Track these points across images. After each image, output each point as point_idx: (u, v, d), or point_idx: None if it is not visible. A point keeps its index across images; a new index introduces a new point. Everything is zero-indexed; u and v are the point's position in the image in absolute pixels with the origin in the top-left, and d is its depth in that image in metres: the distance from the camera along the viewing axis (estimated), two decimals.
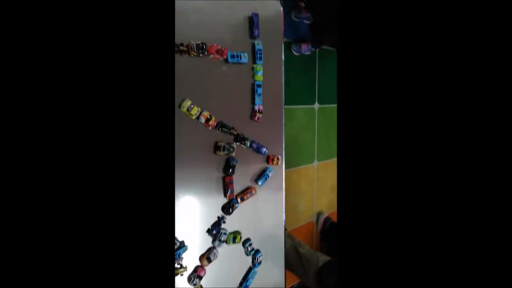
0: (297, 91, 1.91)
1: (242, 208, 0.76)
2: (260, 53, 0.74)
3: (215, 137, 0.70)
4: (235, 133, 0.72)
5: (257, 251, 0.81)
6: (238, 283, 0.78)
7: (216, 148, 0.69)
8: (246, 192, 0.76)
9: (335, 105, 2.27)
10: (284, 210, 0.89)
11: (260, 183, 0.79)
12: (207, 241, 0.71)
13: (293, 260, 1.17)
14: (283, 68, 0.82)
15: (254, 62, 0.74)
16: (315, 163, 2.12)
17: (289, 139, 1.89)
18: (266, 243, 0.84)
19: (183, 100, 0.62)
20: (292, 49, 1.69)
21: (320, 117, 2.11)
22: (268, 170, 0.81)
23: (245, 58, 0.71)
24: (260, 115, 0.77)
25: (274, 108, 0.82)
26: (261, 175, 0.80)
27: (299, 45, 1.69)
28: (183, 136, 0.64)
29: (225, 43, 0.68)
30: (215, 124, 0.68)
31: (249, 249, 0.78)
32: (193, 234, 0.68)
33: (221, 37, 0.68)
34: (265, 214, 0.84)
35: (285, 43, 0.81)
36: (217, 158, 0.71)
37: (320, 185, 2.15)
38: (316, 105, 2.07)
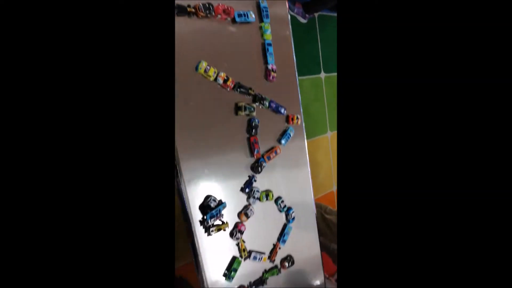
0: (301, 61, 1.89)
1: (269, 168, 0.78)
2: (266, 11, 0.74)
3: (233, 99, 0.71)
4: (253, 93, 0.73)
5: (289, 208, 0.83)
6: (276, 239, 0.82)
7: (237, 108, 0.71)
8: (271, 151, 0.78)
9: None
10: (309, 168, 0.91)
11: (283, 142, 0.81)
12: (242, 200, 0.74)
13: (321, 226, 1.20)
14: (289, 25, 0.82)
15: (261, 21, 0.75)
16: (329, 133, 2.12)
17: None
18: (296, 201, 0.86)
19: (199, 62, 0.64)
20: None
21: (327, 86, 2.08)
22: (289, 129, 0.82)
23: (252, 17, 0.71)
24: (275, 74, 0.77)
25: (286, 66, 0.82)
26: (283, 134, 0.82)
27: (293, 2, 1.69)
28: (202, 99, 0.66)
29: (231, 2, 0.68)
30: (233, 85, 0.69)
31: (282, 205, 0.81)
32: (228, 193, 0.71)
33: None
34: (292, 173, 0.86)
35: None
36: (238, 119, 0.73)
37: (336, 153, 2.15)
38: (323, 74, 2.05)
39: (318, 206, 1.36)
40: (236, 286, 0.73)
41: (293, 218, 0.84)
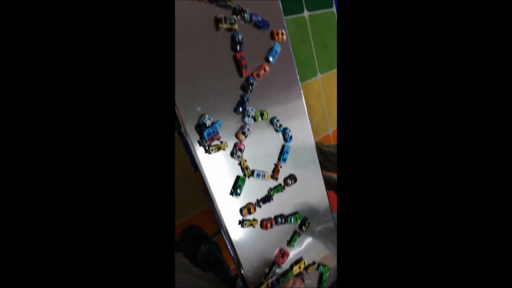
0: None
1: (261, 88, 0.77)
2: None
3: (212, 13, 0.67)
4: (231, 5, 0.69)
5: (286, 128, 0.84)
6: (277, 159, 0.83)
7: (217, 21, 0.67)
8: (259, 69, 0.76)
9: (327, 10, 2.12)
10: (301, 91, 0.89)
11: (271, 60, 0.78)
12: (238, 120, 0.74)
13: (320, 159, 1.23)
14: None
15: None
16: (319, 76, 2.08)
17: None
18: (292, 122, 0.86)
19: None
20: None
21: (313, 25, 1.99)
22: (275, 45, 0.79)
23: None
24: None
25: None
26: (270, 51, 0.79)
27: None
28: (181, 16, 0.62)
29: None
30: None
31: (278, 125, 0.81)
32: (223, 115, 0.71)
33: None
34: (284, 91, 0.85)
35: None
36: (221, 37, 0.69)
37: (329, 98, 2.14)
38: (306, 13, 1.94)
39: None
40: (244, 204, 0.76)
41: (291, 137, 0.85)
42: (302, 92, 0.89)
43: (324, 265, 1.01)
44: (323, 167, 1.10)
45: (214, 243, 1.29)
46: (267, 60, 0.78)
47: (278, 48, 0.80)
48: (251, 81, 0.74)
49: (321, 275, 1.01)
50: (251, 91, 0.74)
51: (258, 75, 0.75)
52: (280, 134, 0.84)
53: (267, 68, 0.77)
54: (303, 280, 0.92)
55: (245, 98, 0.74)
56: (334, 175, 1.60)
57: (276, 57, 0.79)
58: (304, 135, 0.92)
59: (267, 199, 0.81)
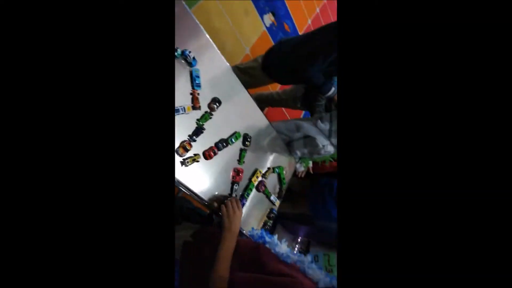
0: None
1: None
2: None
3: None
4: None
5: (184, 50, 0.75)
6: (190, 87, 0.78)
7: None
8: None
9: None
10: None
11: None
12: None
13: (240, 78, 1.20)
14: None
15: None
16: None
17: None
18: (191, 42, 0.78)
19: None
20: None
21: None
22: None
23: None
24: None
25: None
26: None
27: None
28: None
29: None
30: None
31: (178, 52, 0.72)
32: None
33: None
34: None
35: None
36: None
37: (234, 16, 1.97)
38: None
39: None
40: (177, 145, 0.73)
41: (194, 59, 0.78)
42: (189, 9, 0.78)
43: (278, 166, 1.11)
44: (247, 85, 1.10)
45: (180, 198, 1.30)
46: None
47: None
48: None
49: (279, 175, 1.12)
50: None
51: None
52: (181, 60, 0.76)
53: None
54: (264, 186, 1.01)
55: None
56: (263, 91, 1.63)
57: None
58: (209, 54, 0.86)
59: (198, 131, 0.78)
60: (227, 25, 1.95)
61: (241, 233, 0.89)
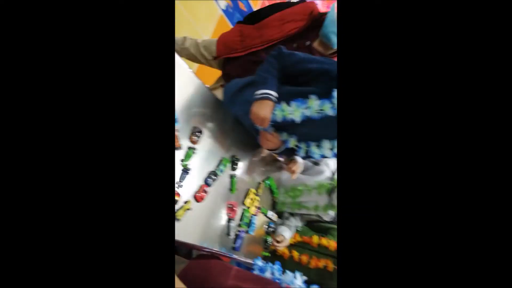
0: None
1: None
2: None
3: None
4: None
5: None
6: None
7: None
8: None
9: None
10: None
11: None
12: None
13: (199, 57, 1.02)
14: None
15: None
16: None
17: None
18: None
19: None
20: None
21: None
22: None
23: None
24: None
25: None
26: None
27: None
28: None
29: None
30: None
31: None
32: None
33: None
34: None
35: None
36: None
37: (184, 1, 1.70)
38: None
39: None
40: None
41: None
42: None
43: (267, 178, 1.06)
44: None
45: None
46: None
47: None
48: None
49: (270, 187, 1.07)
50: None
51: None
52: None
53: None
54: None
55: None
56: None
57: None
58: (179, 74, 0.71)
59: (184, 173, 0.67)
60: (182, 16, 1.70)
61: (247, 265, 0.84)
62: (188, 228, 0.67)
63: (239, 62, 0.91)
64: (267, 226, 1.02)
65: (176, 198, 0.63)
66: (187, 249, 1.08)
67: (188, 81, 0.75)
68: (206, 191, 0.72)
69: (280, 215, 1.09)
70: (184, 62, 0.74)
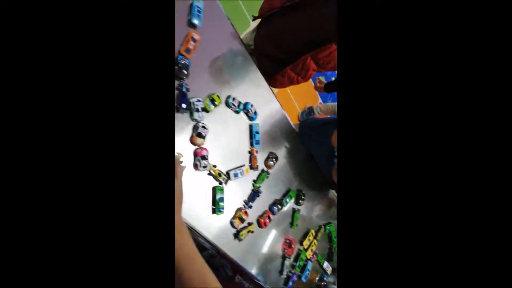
0: None
1: (197, 66, 0.56)
2: None
3: None
4: None
5: (246, 104, 0.67)
6: (248, 144, 0.68)
7: None
8: (186, 41, 0.54)
9: None
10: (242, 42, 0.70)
11: (196, 22, 0.56)
12: (185, 120, 0.54)
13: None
14: None
15: None
16: (253, 25, 1.83)
17: None
18: (251, 90, 0.69)
19: None
20: None
21: None
22: (193, 1, 0.56)
23: None
24: None
25: None
26: (190, 12, 0.56)
27: None
28: None
29: None
30: None
31: (235, 104, 0.64)
32: None
33: None
34: (227, 58, 0.65)
35: None
36: None
37: None
38: None
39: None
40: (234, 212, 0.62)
41: (256, 113, 0.69)
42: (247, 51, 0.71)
43: (328, 223, 0.98)
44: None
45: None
46: (192, 25, 0.56)
47: (199, 3, 0.57)
48: (183, 62, 0.53)
49: (329, 233, 0.98)
50: (187, 76, 0.54)
51: (187, 50, 0.54)
52: (242, 114, 0.67)
53: (196, 36, 0.56)
54: None
55: (183, 89, 0.53)
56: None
57: (202, 16, 0.57)
58: (267, 102, 0.77)
59: (255, 195, 0.68)
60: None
61: None
62: (247, 251, 0.65)
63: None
64: (319, 278, 0.91)
65: (244, 217, 0.63)
66: (232, 271, 1.04)
67: (273, 111, 0.80)
68: (271, 218, 0.71)
69: (335, 270, 0.97)
70: (274, 97, 0.80)
